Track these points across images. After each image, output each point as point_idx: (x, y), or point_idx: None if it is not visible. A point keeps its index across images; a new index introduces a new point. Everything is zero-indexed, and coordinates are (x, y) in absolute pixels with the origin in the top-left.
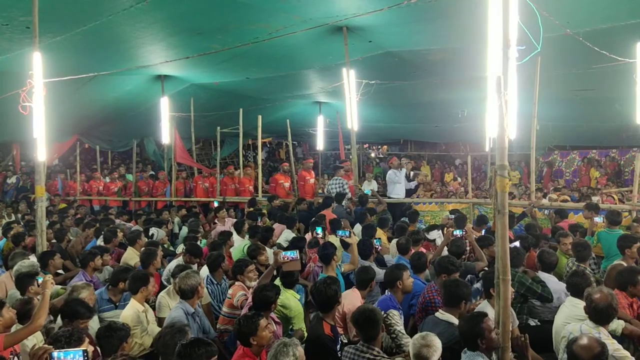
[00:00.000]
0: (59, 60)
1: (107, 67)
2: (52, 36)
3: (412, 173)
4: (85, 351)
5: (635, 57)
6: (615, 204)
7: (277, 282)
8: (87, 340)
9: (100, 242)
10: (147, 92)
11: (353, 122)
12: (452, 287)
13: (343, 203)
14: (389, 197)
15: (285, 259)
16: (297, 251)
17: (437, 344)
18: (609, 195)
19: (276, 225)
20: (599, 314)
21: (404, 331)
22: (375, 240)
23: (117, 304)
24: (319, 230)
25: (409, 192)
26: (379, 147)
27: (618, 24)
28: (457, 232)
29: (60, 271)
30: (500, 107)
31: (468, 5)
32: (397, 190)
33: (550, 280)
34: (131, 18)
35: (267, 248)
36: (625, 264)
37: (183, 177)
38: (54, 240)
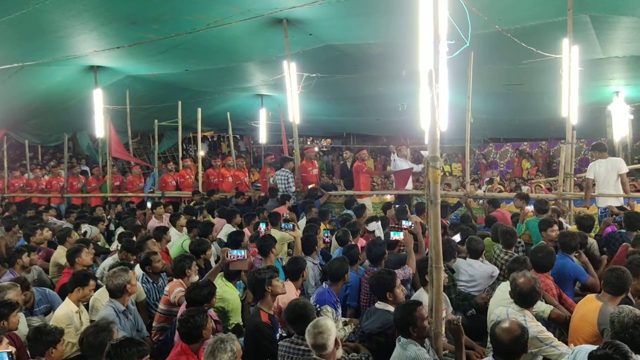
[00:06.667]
0: None
1: (35, 58)
2: None
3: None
4: (10, 353)
5: (561, 52)
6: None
7: (220, 274)
8: (5, 341)
9: None
10: (79, 83)
11: (295, 115)
12: (375, 280)
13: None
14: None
15: (232, 257)
16: (246, 250)
17: (330, 326)
18: (537, 184)
19: (216, 220)
20: (523, 298)
21: None
22: (324, 232)
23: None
24: (263, 225)
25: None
26: (322, 140)
27: (545, 21)
28: (405, 223)
29: None
30: (432, 99)
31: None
32: None
33: (474, 265)
34: (60, 6)
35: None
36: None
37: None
38: None
